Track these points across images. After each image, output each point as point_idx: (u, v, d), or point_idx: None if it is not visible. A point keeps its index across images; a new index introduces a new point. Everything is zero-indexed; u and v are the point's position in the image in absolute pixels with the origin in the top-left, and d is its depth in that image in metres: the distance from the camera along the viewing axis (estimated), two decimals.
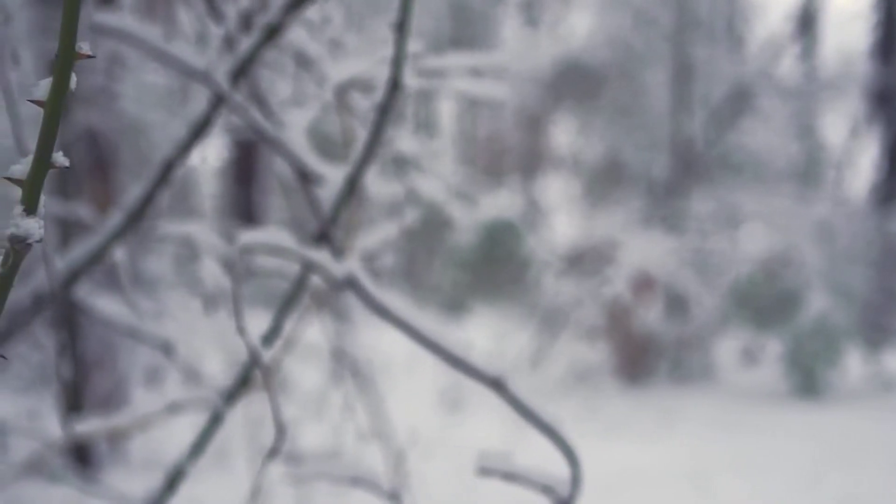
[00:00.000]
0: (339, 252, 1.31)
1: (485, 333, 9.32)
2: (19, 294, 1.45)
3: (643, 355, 7.96)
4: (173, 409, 1.69)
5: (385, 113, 1.30)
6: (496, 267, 11.12)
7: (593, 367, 8.07)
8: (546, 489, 1.26)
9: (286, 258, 1.28)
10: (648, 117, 9.72)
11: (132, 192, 1.43)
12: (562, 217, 14.27)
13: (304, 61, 1.57)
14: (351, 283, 1.27)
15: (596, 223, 8.76)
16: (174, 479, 1.29)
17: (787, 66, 10.42)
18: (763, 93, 9.33)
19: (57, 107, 0.66)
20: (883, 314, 8.29)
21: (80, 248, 1.44)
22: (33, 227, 0.62)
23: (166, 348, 1.42)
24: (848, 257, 8.08)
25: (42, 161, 0.64)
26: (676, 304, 8.04)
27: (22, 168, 0.64)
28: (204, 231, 1.65)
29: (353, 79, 1.48)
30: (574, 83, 11.57)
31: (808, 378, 7.53)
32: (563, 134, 15.07)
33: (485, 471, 1.23)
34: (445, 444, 5.64)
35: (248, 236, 1.25)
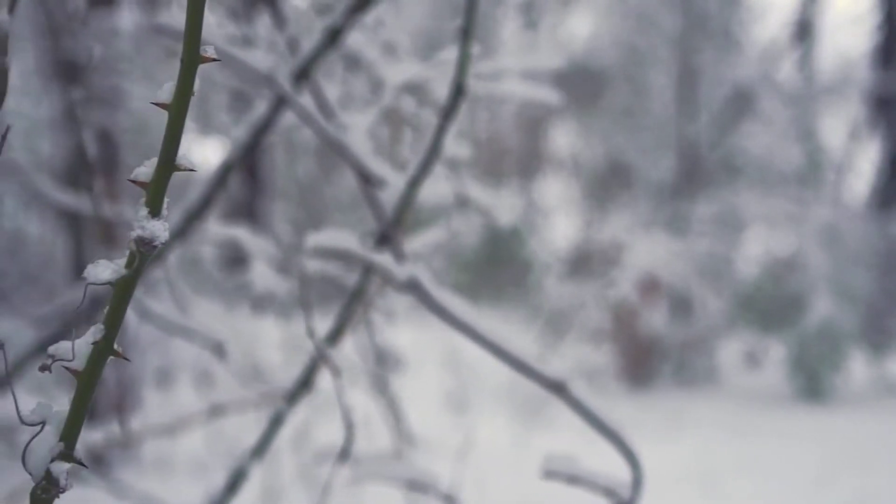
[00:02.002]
0: (400, 254, 1.31)
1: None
2: (76, 295, 1.45)
3: (648, 358, 7.98)
4: (217, 410, 1.69)
5: (449, 117, 1.30)
6: (499, 269, 11.13)
7: (598, 369, 8.08)
8: (608, 492, 1.26)
9: (349, 260, 1.28)
10: (652, 120, 9.74)
11: (190, 193, 1.43)
12: (561, 219, 14.30)
13: (354, 64, 1.58)
14: (413, 286, 1.27)
15: (600, 225, 8.77)
16: (236, 481, 1.29)
17: (787, 70, 10.45)
18: (763, 96, 9.36)
19: (182, 110, 0.67)
20: (887, 318, 8.32)
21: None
22: (159, 229, 0.62)
23: (218, 350, 1.42)
24: (852, 261, 8.10)
25: (167, 163, 0.64)
26: (681, 306, 8.06)
27: (146, 171, 0.64)
28: (251, 234, 1.66)
29: (406, 82, 1.49)
30: (575, 85, 11.59)
31: (812, 381, 7.55)
32: (563, 136, 15.10)
33: (550, 474, 1.24)
34: (454, 445, 5.64)
35: (315, 238, 1.26)
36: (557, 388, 1.29)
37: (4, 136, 0.93)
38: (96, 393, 0.63)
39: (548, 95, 1.60)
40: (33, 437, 0.65)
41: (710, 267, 8.19)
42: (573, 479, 1.25)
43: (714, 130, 9.19)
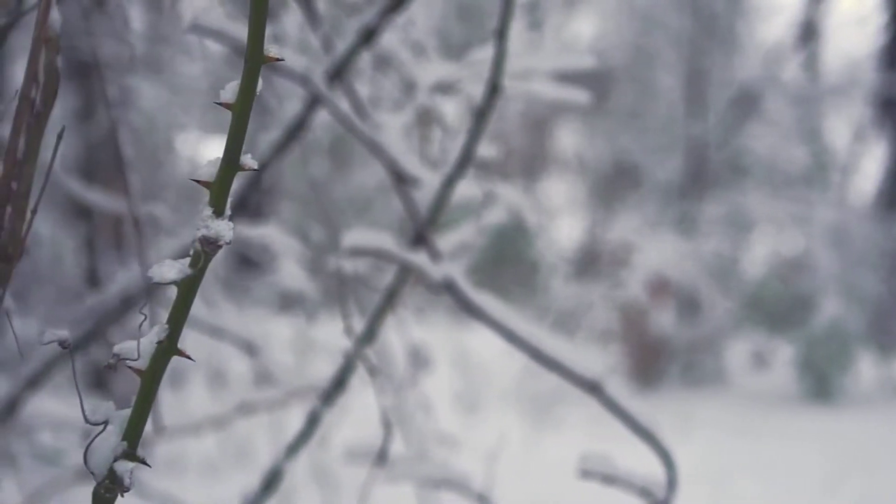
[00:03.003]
0: (436, 254, 1.31)
1: (493, 336, 9.30)
2: (108, 294, 1.45)
3: (656, 358, 7.97)
4: (246, 409, 1.69)
5: (484, 116, 1.30)
6: (505, 269, 11.12)
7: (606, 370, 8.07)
8: (644, 492, 1.26)
9: (385, 260, 1.28)
10: (658, 120, 9.74)
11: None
12: (566, 220, 14.29)
13: (385, 64, 1.58)
14: (449, 286, 1.27)
15: (607, 226, 8.77)
16: (271, 481, 1.29)
17: (793, 70, 10.44)
18: (769, 97, 9.36)
19: (246, 110, 0.67)
20: (894, 319, 8.31)
21: (169, 248, 1.44)
22: (223, 228, 0.62)
23: (250, 349, 1.42)
24: (860, 262, 8.09)
25: (231, 163, 0.64)
26: (689, 307, 8.06)
27: (209, 170, 0.64)
28: (280, 233, 1.66)
29: (438, 82, 1.49)
30: (580, 86, 11.56)
31: (820, 382, 7.55)
32: (569, 136, 15.09)
33: (586, 473, 1.24)
34: (465, 445, 5.63)
35: (351, 238, 1.26)
36: (593, 388, 1.29)
37: (60, 137, 0.92)
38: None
39: (578, 96, 1.60)
40: (95, 437, 0.65)
41: (717, 267, 8.19)
42: (609, 479, 1.25)
43: (720, 131, 9.19)
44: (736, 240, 8.62)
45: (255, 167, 0.67)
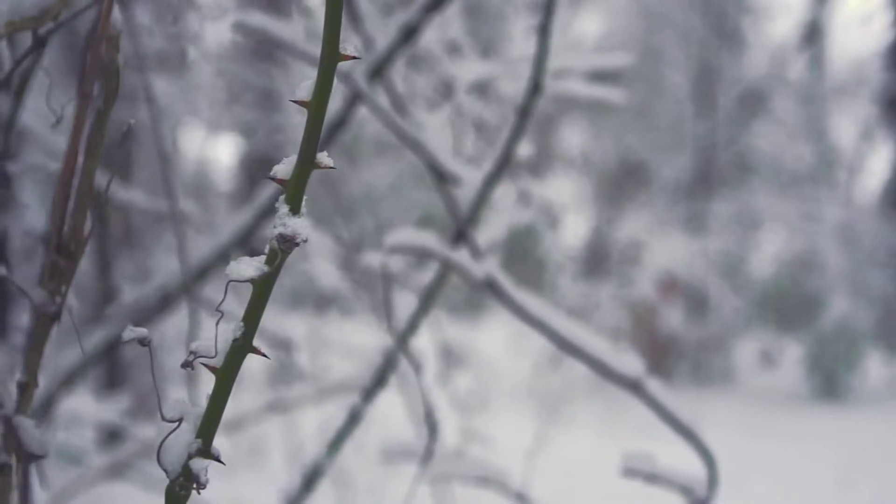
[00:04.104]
0: (477, 252, 1.31)
1: (501, 333, 9.31)
2: (147, 290, 1.46)
3: (665, 357, 7.97)
4: (278, 406, 1.69)
5: (526, 115, 1.31)
6: (512, 266, 11.11)
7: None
8: (686, 490, 1.27)
9: (428, 258, 1.29)
10: (665, 119, 9.73)
11: (261, 189, 1.43)
12: (572, 218, 14.27)
13: (421, 62, 1.58)
14: (490, 284, 1.27)
15: (616, 224, 8.76)
16: (312, 479, 1.30)
17: (799, 69, 10.43)
18: (775, 96, 9.35)
19: (321, 108, 0.66)
20: None
21: (209, 246, 1.44)
22: (301, 226, 0.62)
23: (287, 346, 1.43)
24: (868, 260, 8.09)
25: (307, 161, 0.64)
26: (697, 306, 8.05)
27: (285, 168, 0.64)
28: (315, 231, 1.66)
29: (475, 80, 1.49)
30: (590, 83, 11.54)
31: (829, 381, 7.54)
32: (575, 135, 15.07)
33: (629, 472, 1.24)
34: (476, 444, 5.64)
35: (395, 236, 1.26)
36: (634, 386, 1.29)
37: (126, 134, 0.92)
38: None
39: (613, 94, 1.60)
40: (169, 434, 0.65)
41: (725, 266, 8.19)
42: (651, 478, 1.25)
43: (728, 129, 9.18)
44: (744, 238, 8.62)
45: (332, 165, 0.67)
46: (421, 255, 1.26)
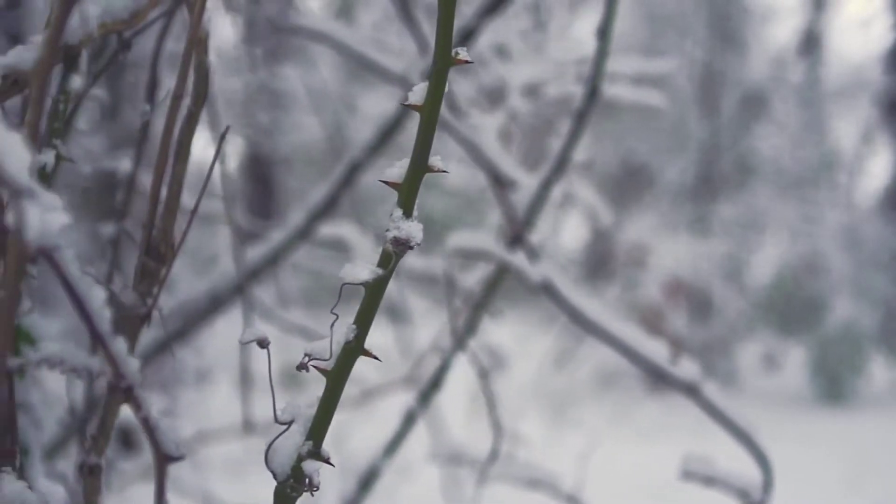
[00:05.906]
0: (533, 255, 1.31)
1: (505, 334, 9.30)
2: (196, 292, 1.46)
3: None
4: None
5: (584, 118, 1.31)
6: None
7: (620, 370, 8.08)
8: (742, 493, 1.27)
9: (487, 260, 1.29)
10: (668, 121, 9.74)
11: (314, 192, 1.44)
12: (571, 220, 14.25)
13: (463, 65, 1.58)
14: (547, 287, 1.28)
15: (619, 227, 8.76)
16: (369, 480, 1.30)
17: (799, 73, 10.45)
18: (776, 99, 9.37)
19: (434, 111, 0.67)
20: None
21: (261, 247, 1.44)
22: (415, 229, 0.62)
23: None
24: (871, 263, 8.11)
25: (419, 165, 0.64)
26: (701, 309, 8.06)
27: (397, 171, 0.65)
28: (356, 232, 1.66)
29: (527, 83, 1.49)
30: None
31: (833, 384, 7.55)
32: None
33: (688, 474, 1.24)
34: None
35: (455, 239, 1.26)
36: (690, 390, 1.30)
37: (223, 137, 0.92)
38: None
39: (655, 99, 1.60)
40: (278, 436, 0.65)
41: (729, 269, 8.20)
42: (709, 480, 1.25)
43: (730, 132, 9.20)
44: (747, 241, 8.63)
45: (445, 169, 0.67)
46: (480, 258, 1.26)
